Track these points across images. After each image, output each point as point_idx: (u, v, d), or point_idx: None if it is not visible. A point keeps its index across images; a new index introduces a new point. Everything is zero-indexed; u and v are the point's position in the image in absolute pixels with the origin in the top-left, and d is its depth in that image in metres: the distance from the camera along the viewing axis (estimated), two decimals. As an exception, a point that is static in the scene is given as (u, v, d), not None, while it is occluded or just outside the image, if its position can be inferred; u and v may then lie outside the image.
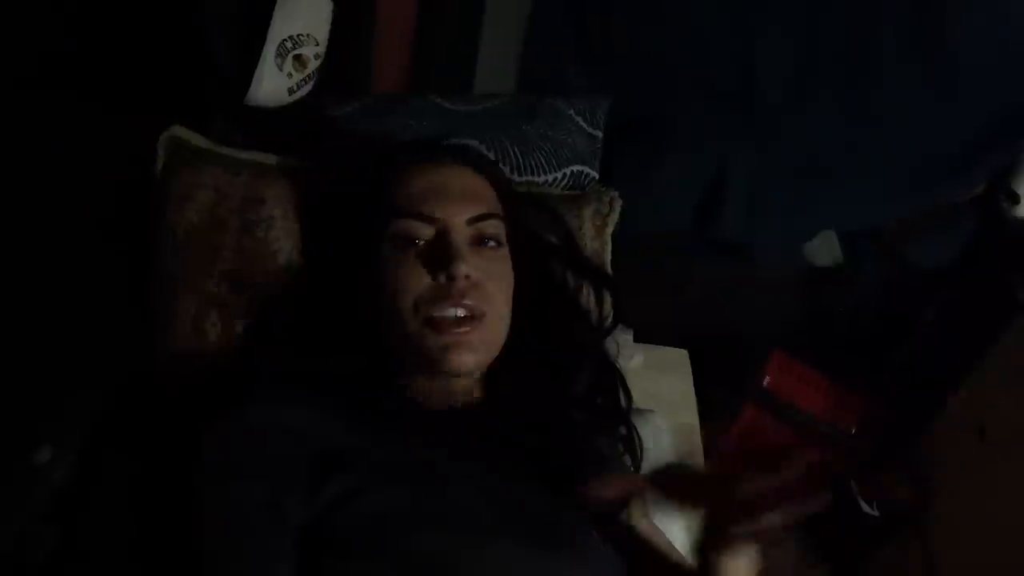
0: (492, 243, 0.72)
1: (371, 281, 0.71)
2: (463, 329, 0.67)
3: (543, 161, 0.96)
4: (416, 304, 0.68)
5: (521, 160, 0.95)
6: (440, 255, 0.68)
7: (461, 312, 0.67)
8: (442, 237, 0.69)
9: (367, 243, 0.72)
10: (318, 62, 0.96)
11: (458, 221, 0.70)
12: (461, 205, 0.70)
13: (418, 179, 0.72)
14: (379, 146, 0.83)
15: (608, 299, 0.87)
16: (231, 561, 0.57)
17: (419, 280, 0.68)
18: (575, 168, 0.98)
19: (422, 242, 0.69)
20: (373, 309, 0.71)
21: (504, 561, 0.60)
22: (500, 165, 0.91)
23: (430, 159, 0.74)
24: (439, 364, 0.68)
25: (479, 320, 0.68)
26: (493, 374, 0.74)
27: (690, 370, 1.22)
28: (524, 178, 0.95)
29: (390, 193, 0.72)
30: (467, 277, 0.67)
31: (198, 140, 0.87)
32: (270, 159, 0.88)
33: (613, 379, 0.82)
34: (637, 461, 0.83)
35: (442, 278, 0.67)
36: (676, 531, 0.94)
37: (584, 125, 1.00)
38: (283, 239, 0.83)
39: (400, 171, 0.73)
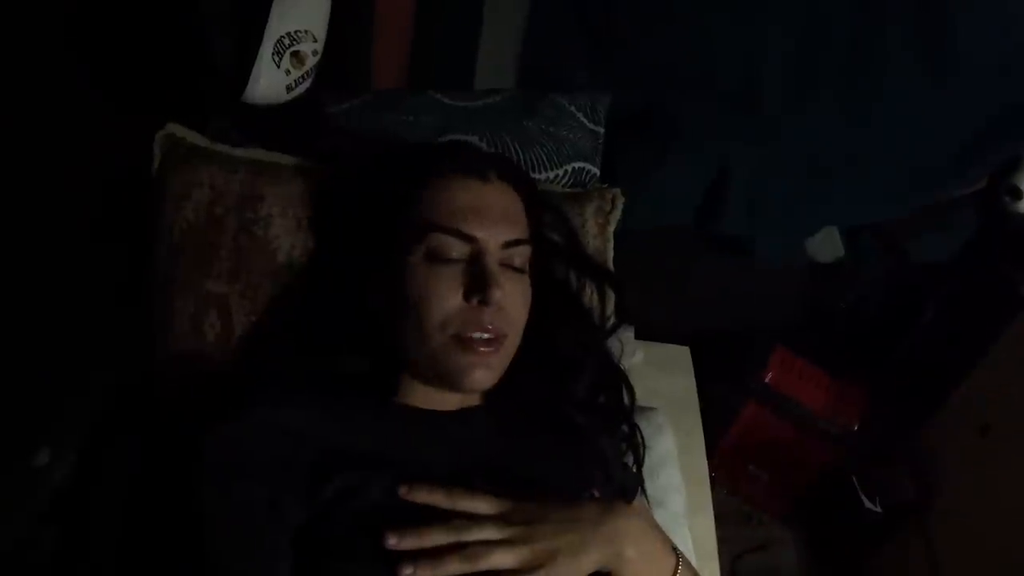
0: (519, 265, 0.72)
1: (392, 286, 0.70)
2: (487, 350, 0.68)
3: (544, 157, 0.95)
4: (444, 322, 0.67)
5: (523, 157, 0.94)
6: (477, 279, 0.67)
7: (487, 336, 0.68)
8: (479, 259, 0.68)
9: (394, 247, 0.70)
10: (316, 59, 0.95)
11: (495, 243, 0.69)
12: (500, 227, 0.70)
13: (461, 193, 0.70)
14: (418, 147, 0.82)
15: (611, 298, 0.87)
16: (232, 561, 0.58)
17: (451, 299, 0.68)
18: (577, 165, 0.97)
19: (456, 259, 0.69)
20: (389, 313, 0.71)
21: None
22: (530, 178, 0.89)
23: (474, 173, 0.72)
24: (456, 381, 0.68)
25: (501, 341, 0.69)
26: None
27: (692, 367, 1.22)
28: (525, 175, 0.94)
29: (430, 202, 0.70)
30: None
31: (194, 138, 0.86)
32: (268, 157, 0.87)
33: (616, 378, 0.82)
34: (639, 459, 0.83)
35: (475, 301, 0.67)
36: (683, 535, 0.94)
37: (585, 121, 1.00)
38: (282, 237, 0.83)
39: (443, 180, 0.71)
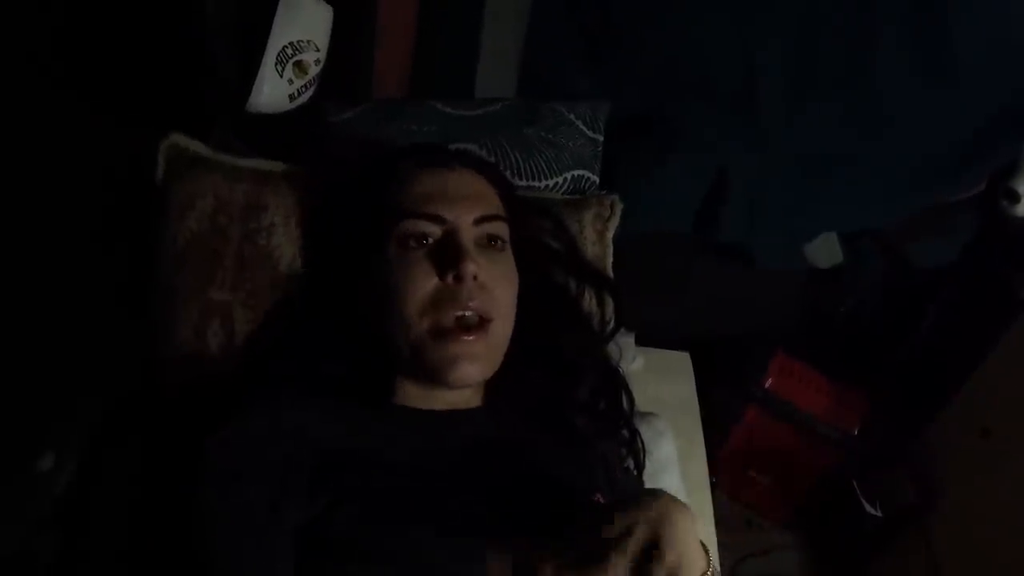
0: (498, 243, 0.72)
1: (375, 284, 0.71)
2: (469, 338, 0.67)
3: (544, 165, 0.96)
4: (423, 308, 0.67)
5: (522, 164, 0.95)
6: (449, 254, 0.67)
7: (468, 314, 0.67)
8: (450, 236, 0.69)
9: (371, 246, 0.71)
10: (319, 68, 0.96)
11: (465, 222, 0.69)
12: (468, 205, 0.70)
13: (424, 181, 0.71)
14: (381, 150, 0.83)
15: (610, 304, 0.87)
16: (233, 563, 0.58)
17: (426, 280, 0.67)
18: (576, 172, 0.98)
19: (430, 241, 0.69)
20: (376, 313, 0.71)
21: None
22: (501, 169, 0.91)
23: (434, 162, 0.73)
24: (441, 376, 0.68)
25: (485, 327, 0.68)
26: (494, 379, 0.74)
27: (692, 372, 1.22)
28: (525, 182, 0.94)
29: (396, 195, 0.71)
30: (475, 278, 0.67)
31: (198, 148, 0.87)
32: (271, 166, 0.88)
33: (616, 384, 0.82)
34: (639, 465, 0.83)
35: (450, 278, 0.67)
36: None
37: (585, 129, 1.00)
38: (285, 246, 0.83)
39: (405, 174, 0.73)
